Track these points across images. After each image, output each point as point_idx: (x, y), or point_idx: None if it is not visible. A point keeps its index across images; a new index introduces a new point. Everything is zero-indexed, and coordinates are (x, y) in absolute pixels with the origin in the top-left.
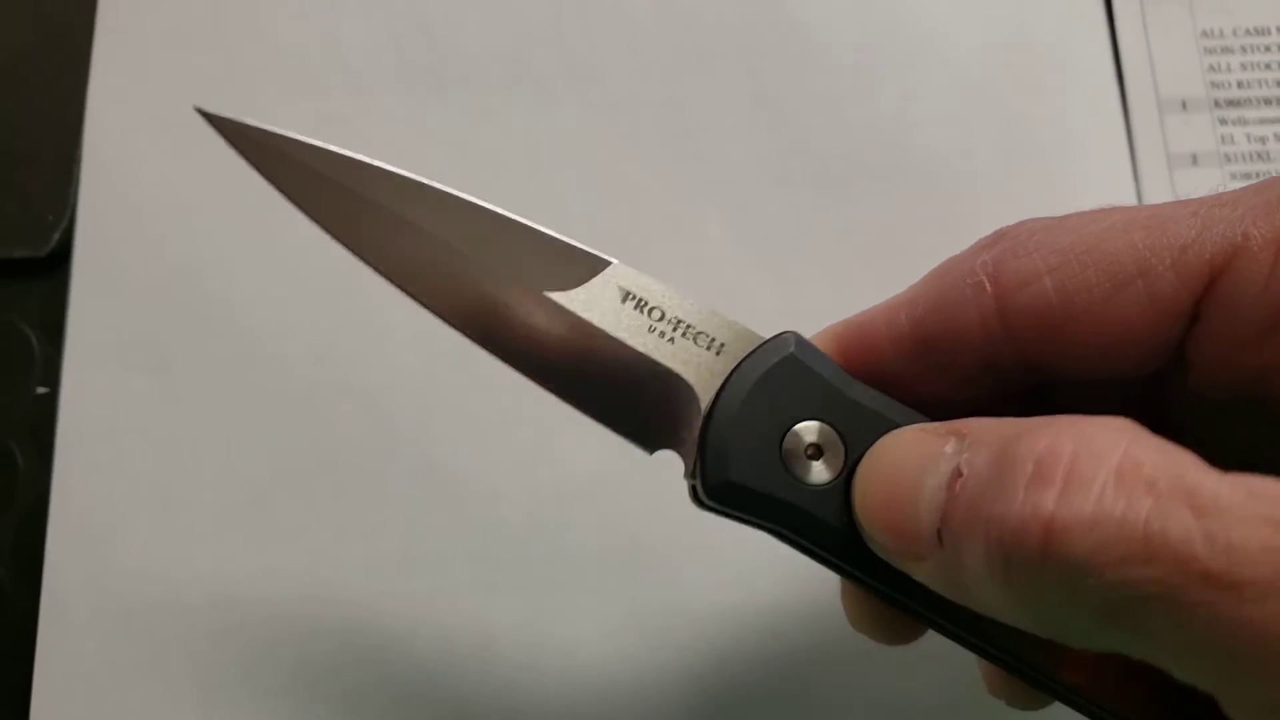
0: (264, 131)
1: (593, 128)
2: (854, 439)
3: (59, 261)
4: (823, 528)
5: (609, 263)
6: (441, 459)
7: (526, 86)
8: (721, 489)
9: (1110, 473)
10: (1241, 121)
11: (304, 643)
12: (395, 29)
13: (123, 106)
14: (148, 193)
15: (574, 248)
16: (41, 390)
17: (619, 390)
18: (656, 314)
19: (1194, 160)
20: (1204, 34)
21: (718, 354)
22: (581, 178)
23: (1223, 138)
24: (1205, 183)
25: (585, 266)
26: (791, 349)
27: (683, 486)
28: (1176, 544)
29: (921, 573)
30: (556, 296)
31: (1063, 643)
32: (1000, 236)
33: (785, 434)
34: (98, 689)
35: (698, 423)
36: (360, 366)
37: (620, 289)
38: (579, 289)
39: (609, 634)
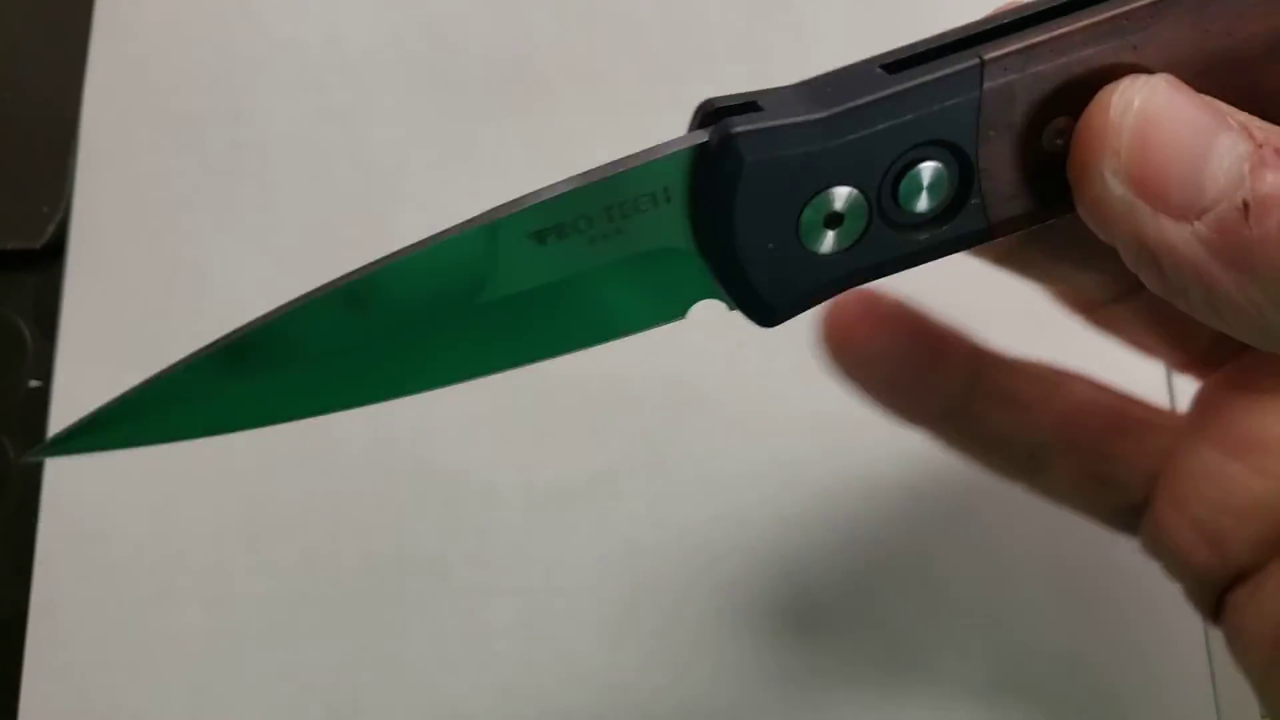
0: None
1: (595, 129)
2: (871, 186)
3: (54, 254)
4: (886, 267)
5: (498, 221)
6: (438, 458)
7: (528, 86)
8: (773, 322)
9: None
10: None
11: (297, 641)
12: (396, 26)
13: (119, 99)
14: (144, 186)
15: (454, 233)
16: (34, 384)
17: (612, 310)
18: (584, 225)
19: None
20: None
21: (670, 201)
22: None
23: None
24: None
25: (483, 241)
26: (745, 157)
27: (678, 482)
28: None
29: (1171, 237)
30: (480, 301)
31: None
32: None
33: (800, 232)
34: (88, 684)
35: (705, 273)
36: None
37: (528, 238)
38: (496, 274)
39: (606, 636)
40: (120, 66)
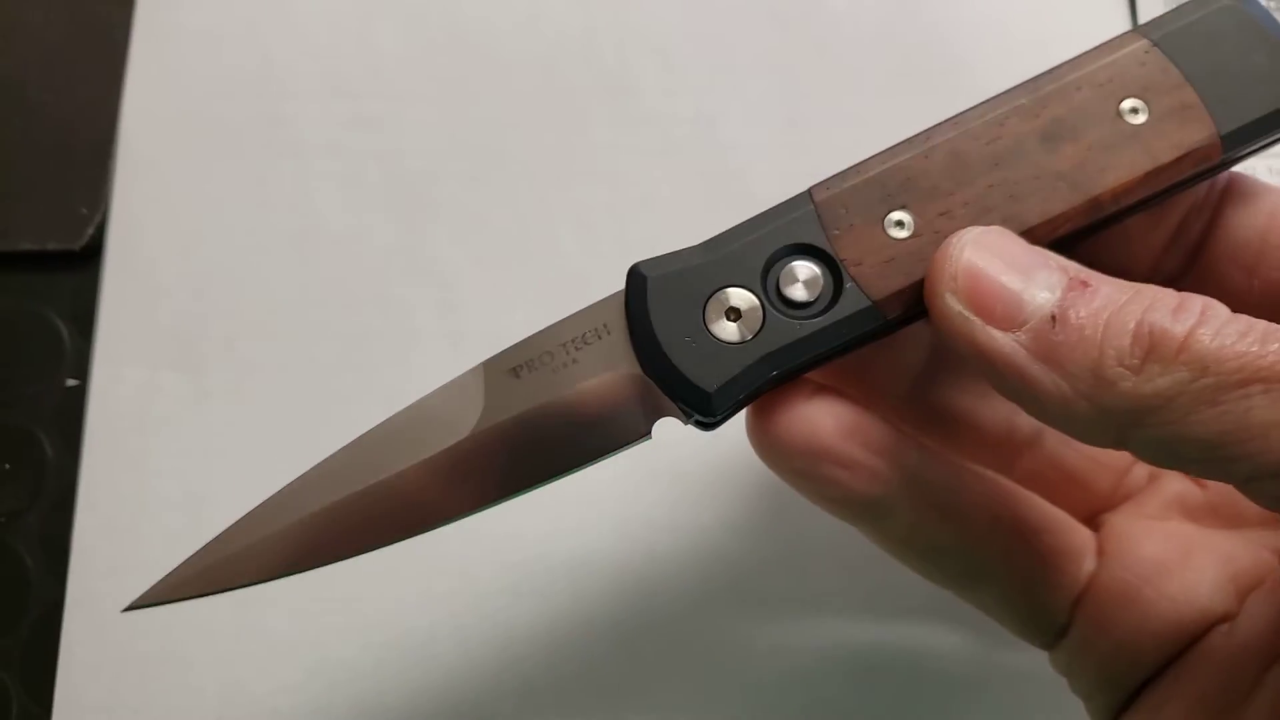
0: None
1: (622, 141)
2: (756, 286)
3: (92, 255)
4: (811, 353)
5: (486, 361)
6: None
7: (557, 98)
8: (713, 409)
9: (1231, 317)
10: None
11: (323, 640)
12: (430, 36)
13: (159, 102)
14: (182, 189)
15: (442, 392)
16: (71, 382)
17: (585, 431)
18: (547, 359)
19: None
20: None
21: (610, 333)
22: (610, 190)
23: None
24: None
25: (471, 390)
26: (647, 274)
27: (697, 490)
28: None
29: (997, 342)
30: (476, 430)
31: (1082, 433)
32: None
33: (708, 326)
34: (121, 679)
35: (652, 387)
36: (388, 369)
37: (507, 373)
38: (481, 414)
39: (625, 640)
40: (159, 72)
